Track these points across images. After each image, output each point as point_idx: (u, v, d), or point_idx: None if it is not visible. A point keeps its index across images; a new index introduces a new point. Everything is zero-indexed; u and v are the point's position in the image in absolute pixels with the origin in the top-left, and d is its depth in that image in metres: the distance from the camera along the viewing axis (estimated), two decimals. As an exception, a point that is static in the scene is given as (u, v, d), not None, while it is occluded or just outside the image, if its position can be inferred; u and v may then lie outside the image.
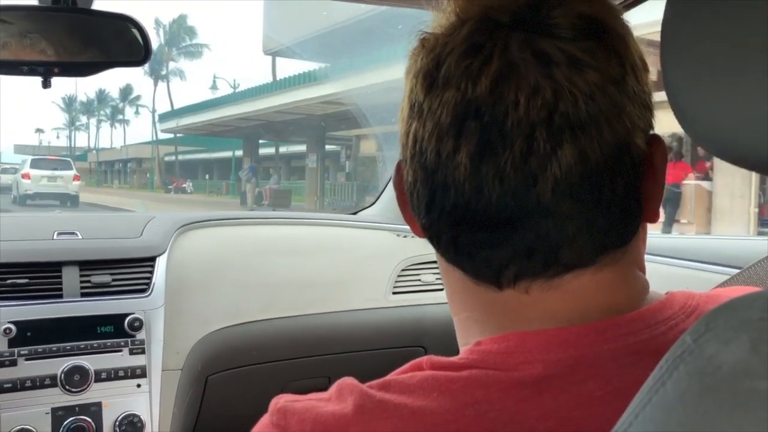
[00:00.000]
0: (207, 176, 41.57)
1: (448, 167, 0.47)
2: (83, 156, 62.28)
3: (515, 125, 0.44)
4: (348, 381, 0.48)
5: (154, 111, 47.26)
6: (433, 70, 0.48)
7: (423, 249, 1.80)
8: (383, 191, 2.04)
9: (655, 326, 0.47)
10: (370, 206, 2.09)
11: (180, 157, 44.12)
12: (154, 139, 46.92)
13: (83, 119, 68.98)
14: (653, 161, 0.49)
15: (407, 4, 1.32)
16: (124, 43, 1.15)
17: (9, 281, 1.30)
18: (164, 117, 35.88)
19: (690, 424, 0.32)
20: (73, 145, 69.45)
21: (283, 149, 34.24)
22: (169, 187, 38.32)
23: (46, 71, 1.12)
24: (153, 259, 1.44)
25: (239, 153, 35.60)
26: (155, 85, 51.74)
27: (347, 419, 0.44)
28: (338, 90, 17.51)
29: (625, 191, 0.47)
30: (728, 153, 0.38)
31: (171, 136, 41.26)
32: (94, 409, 1.28)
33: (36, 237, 1.43)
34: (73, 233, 1.45)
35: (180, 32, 48.20)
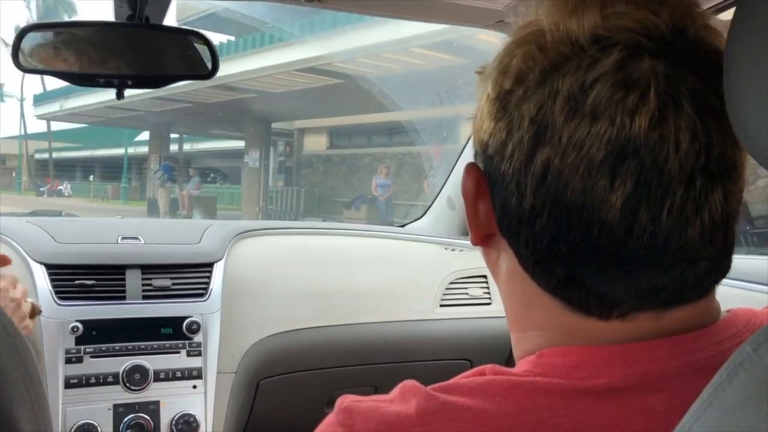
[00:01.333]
0: (91, 177, 33.31)
1: (596, 207, 0.45)
2: (-68, 154, 54.11)
3: (676, 170, 0.43)
4: (411, 383, 0.48)
5: (22, 99, 37.07)
6: (578, 94, 0.45)
7: (470, 263, 1.82)
8: (432, 204, 2.07)
9: (721, 343, 0.47)
10: (418, 219, 2.12)
11: (55, 154, 35.76)
12: (23, 132, 36.75)
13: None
14: None
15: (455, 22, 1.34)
16: (193, 57, 1.20)
17: (77, 282, 1.37)
18: (42, 99, 26.85)
19: (749, 427, 0.34)
20: None
21: (186, 146, 26.90)
22: (42, 189, 31.42)
23: (120, 83, 1.18)
24: (211, 265, 1.49)
25: (138, 150, 27.78)
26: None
27: (411, 420, 0.45)
28: (325, 53, 11.83)
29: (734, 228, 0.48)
30: None
31: (43, 130, 33.78)
32: (153, 408, 1.33)
33: (102, 241, 1.49)
34: (136, 238, 1.51)
35: (58, 8, 37.02)
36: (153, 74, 1.21)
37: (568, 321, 0.49)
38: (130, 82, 1.18)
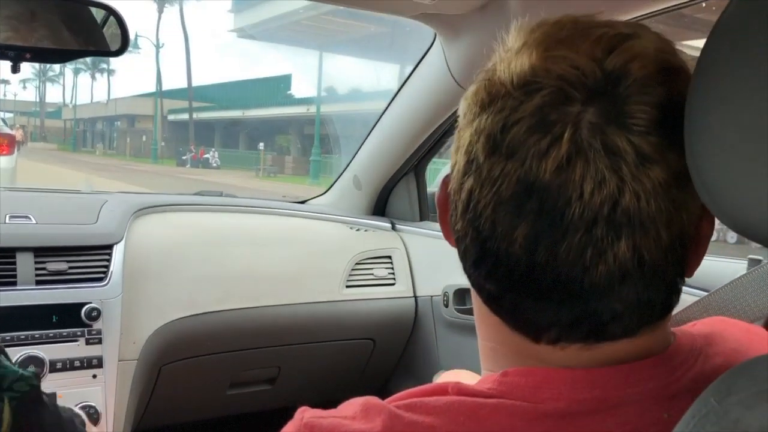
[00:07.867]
0: (261, 145, 26.21)
1: (502, 241, 0.47)
2: (57, 113, 50.70)
3: (577, 216, 0.44)
4: (374, 400, 0.49)
5: (158, 46, 31.75)
6: (498, 134, 0.47)
7: (376, 243, 1.83)
8: (336, 181, 2.05)
9: (673, 370, 0.49)
10: (321, 195, 2.10)
11: (194, 115, 29.56)
12: (158, 88, 30.54)
13: (56, 68, 51.05)
14: (700, 236, 0.49)
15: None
16: (101, 33, 1.12)
17: (-39, 267, 1.25)
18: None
19: None
20: (43, 99, 55.04)
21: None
22: (184, 157, 26.71)
23: (16, 56, 1.07)
24: (110, 246, 1.41)
25: (293, 111, 21.89)
26: (160, 11, 35.60)
27: None
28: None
29: (674, 273, 0.48)
30: (752, 231, 0.42)
31: (180, 85, 27.84)
32: (49, 400, 1.26)
33: None
34: (26, 217, 1.40)
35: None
36: (55, 47, 1.11)
37: (511, 338, 0.51)
38: (28, 56, 1.08)
